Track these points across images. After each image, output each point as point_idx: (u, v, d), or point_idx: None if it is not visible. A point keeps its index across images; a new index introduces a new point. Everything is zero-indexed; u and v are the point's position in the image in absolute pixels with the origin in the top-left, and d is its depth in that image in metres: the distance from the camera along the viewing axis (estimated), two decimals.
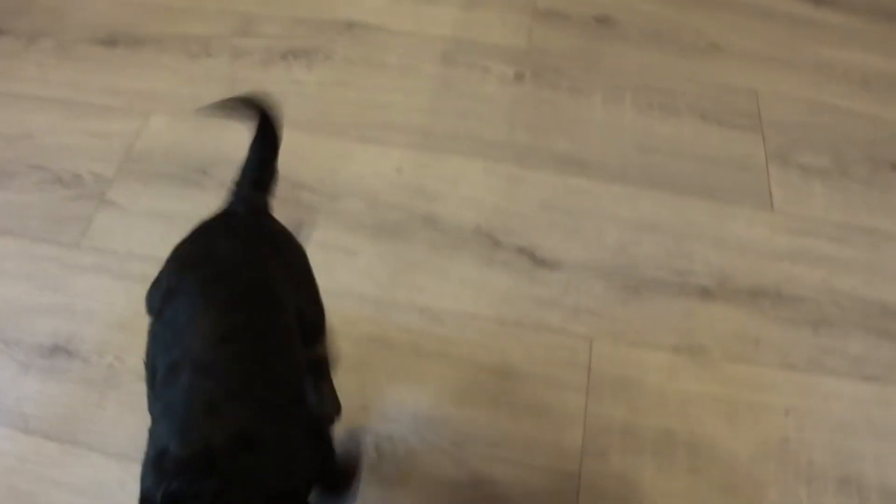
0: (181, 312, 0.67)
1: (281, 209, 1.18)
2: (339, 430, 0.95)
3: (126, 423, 1.00)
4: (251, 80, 1.30)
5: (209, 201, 1.18)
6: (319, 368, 0.92)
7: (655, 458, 0.97)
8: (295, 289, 0.78)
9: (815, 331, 1.06)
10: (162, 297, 0.71)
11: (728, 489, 0.97)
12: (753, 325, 1.06)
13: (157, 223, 1.15)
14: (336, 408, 0.94)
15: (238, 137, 1.28)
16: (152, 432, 0.64)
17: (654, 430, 0.98)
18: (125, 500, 0.93)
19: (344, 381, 1.01)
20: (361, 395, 1.01)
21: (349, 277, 1.09)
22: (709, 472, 0.97)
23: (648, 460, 0.97)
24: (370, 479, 0.97)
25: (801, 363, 1.04)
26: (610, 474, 0.97)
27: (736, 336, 1.05)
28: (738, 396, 1.01)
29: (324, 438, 0.76)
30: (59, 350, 1.05)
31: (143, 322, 1.02)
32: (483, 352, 1.03)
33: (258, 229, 0.85)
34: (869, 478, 0.99)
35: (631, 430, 0.98)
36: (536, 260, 1.09)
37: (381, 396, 1.01)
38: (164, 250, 1.15)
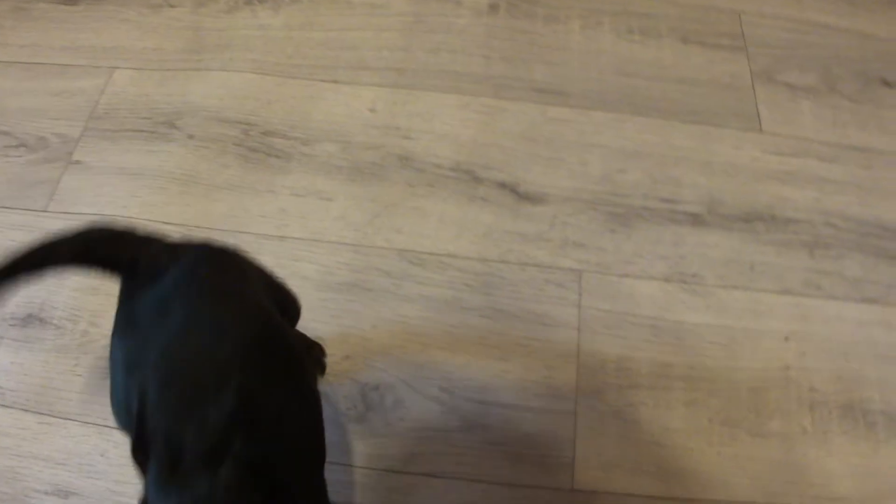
0: None
1: (252, 158, 1.03)
2: (326, 380, 0.83)
3: (103, 389, 0.86)
4: (216, 28, 1.13)
5: (178, 153, 1.04)
6: None
7: (653, 393, 0.84)
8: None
9: (810, 253, 0.92)
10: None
11: (729, 421, 0.84)
12: (747, 249, 0.91)
13: (126, 181, 0.99)
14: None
15: (205, 87, 1.13)
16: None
17: (649, 364, 0.85)
18: (107, 469, 0.80)
19: (325, 331, 0.87)
20: (344, 344, 0.87)
21: (325, 224, 0.93)
22: (708, 405, 0.84)
23: (645, 395, 0.84)
24: (358, 430, 0.83)
25: (798, 287, 0.90)
26: (606, 412, 0.84)
27: (729, 262, 0.90)
28: (736, 324, 0.87)
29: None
30: (31, 319, 0.89)
31: (114, 284, 0.87)
32: (468, 292, 0.88)
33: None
34: (874, 402, 0.86)
35: (626, 365, 0.85)
36: (519, 194, 0.93)
37: (364, 345, 0.86)
38: (133, 208, 1.00)
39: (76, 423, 0.84)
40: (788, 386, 0.85)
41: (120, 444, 0.82)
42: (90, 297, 0.93)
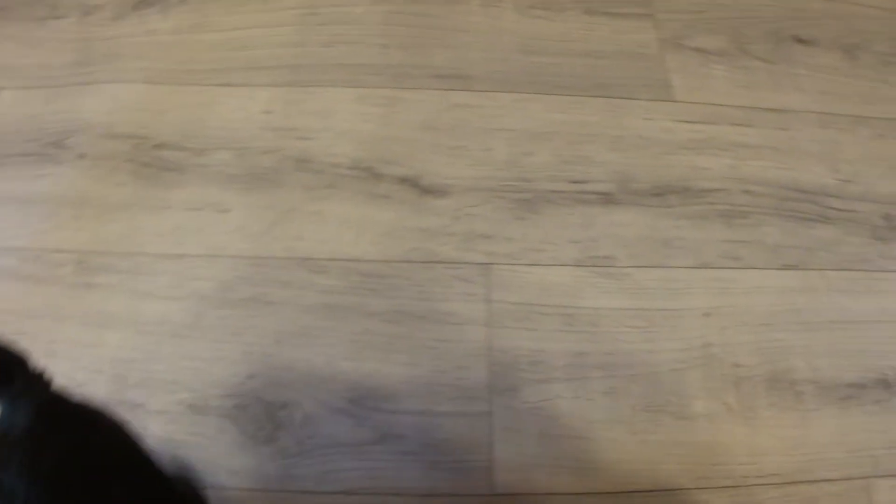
0: None
1: (145, 173, 0.98)
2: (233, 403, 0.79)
3: None
4: (105, 38, 1.07)
5: (68, 175, 0.96)
6: None
7: (570, 385, 0.80)
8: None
9: (727, 223, 0.88)
10: None
11: (651, 406, 0.80)
12: (661, 225, 0.87)
13: (15, 210, 0.93)
14: None
15: (95, 101, 1.07)
16: None
17: (564, 355, 0.81)
18: None
19: (227, 350, 0.82)
20: (248, 362, 0.82)
21: (223, 237, 0.88)
22: (628, 392, 0.81)
23: (562, 388, 0.80)
24: (268, 452, 0.79)
25: (716, 260, 0.86)
26: (523, 409, 0.80)
27: (643, 240, 0.86)
28: (652, 305, 0.83)
29: None
30: None
31: (3, 322, 0.83)
32: (372, 297, 0.83)
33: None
34: (800, 371, 0.83)
35: (540, 358, 0.81)
36: (421, 188, 0.89)
37: (268, 362, 0.82)
38: (23, 238, 0.95)
39: None
40: (711, 364, 0.82)
41: None
42: None
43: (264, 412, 0.82)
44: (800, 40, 1.04)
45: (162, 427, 0.82)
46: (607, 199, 0.88)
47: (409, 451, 0.79)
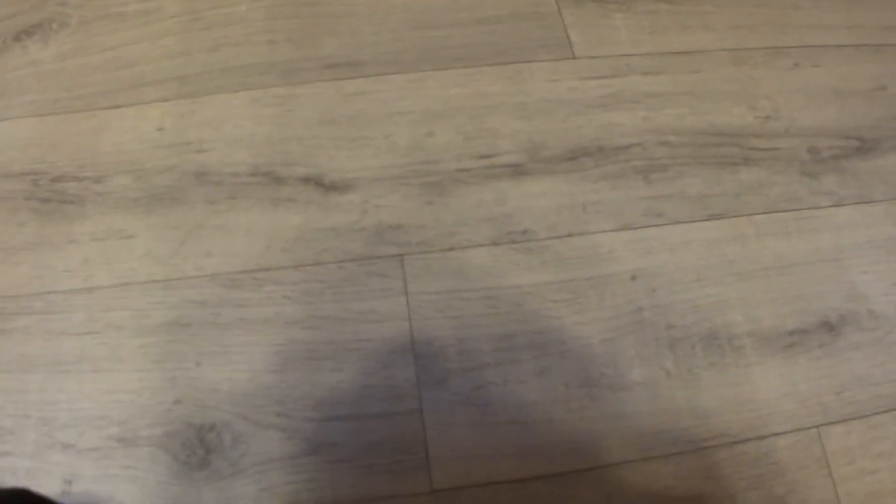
0: None
1: (46, 210, 0.94)
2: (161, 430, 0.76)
3: None
4: None
5: None
6: None
7: (500, 370, 0.77)
8: None
9: (646, 179, 0.84)
10: None
11: (587, 381, 0.77)
12: (577, 191, 0.83)
13: None
14: None
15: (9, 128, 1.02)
16: None
17: (491, 340, 0.78)
18: None
19: (150, 379, 0.79)
20: (172, 388, 0.79)
21: (131, 264, 0.84)
22: (561, 369, 0.77)
23: (493, 374, 0.77)
24: (202, 477, 0.77)
25: (638, 220, 0.83)
26: (454, 401, 0.77)
27: (560, 209, 0.83)
28: (577, 275, 0.80)
29: None
30: None
31: None
32: (288, 305, 0.80)
33: None
34: (738, 325, 0.80)
35: (466, 346, 0.78)
36: (325, 186, 0.84)
37: (192, 385, 0.79)
38: None
39: None
40: (644, 329, 0.79)
41: None
42: None
43: (195, 436, 0.79)
44: None
45: (95, 464, 0.79)
46: (518, 170, 0.84)
47: (344, 459, 0.77)
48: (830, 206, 0.86)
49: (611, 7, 0.96)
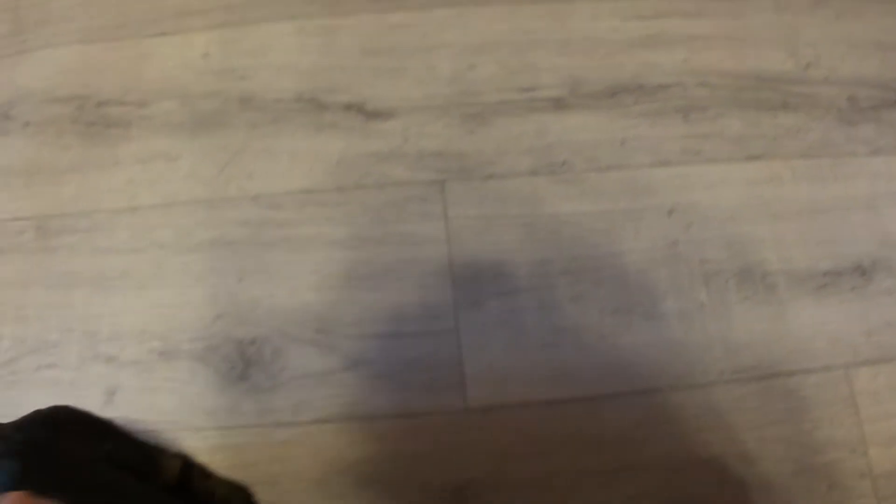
0: None
1: (91, 133, 0.95)
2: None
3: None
4: (35, 4, 1.03)
5: (16, 144, 0.93)
6: None
7: (534, 294, 0.78)
8: None
9: (685, 118, 0.85)
10: None
11: (620, 309, 0.78)
12: (617, 126, 0.84)
13: None
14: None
15: (32, 69, 1.04)
16: None
17: (528, 265, 0.79)
18: None
19: (192, 294, 0.81)
20: (213, 304, 0.81)
21: (175, 185, 0.86)
22: (596, 296, 0.79)
23: (527, 298, 0.78)
24: (242, 389, 0.79)
25: (676, 157, 0.84)
26: (490, 322, 0.79)
27: (599, 143, 0.84)
28: (614, 207, 0.81)
29: None
30: None
31: None
32: (329, 226, 0.82)
33: None
34: (771, 263, 0.81)
35: (503, 270, 0.79)
36: (367, 113, 0.86)
37: (234, 301, 0.81)
38: None
39: None
40: (678, 262, 0.80)
41: None
42: None
43: (235, 351, 0.81)
44: None
45: (137, 376, 0.81)
46: (559, 104, 0.85)
47: (381, 375, 0.79)
48: (867, 155, 0.87)
49: None
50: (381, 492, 0.74)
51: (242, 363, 0.80)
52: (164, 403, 0.81)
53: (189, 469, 0.74)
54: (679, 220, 0.81)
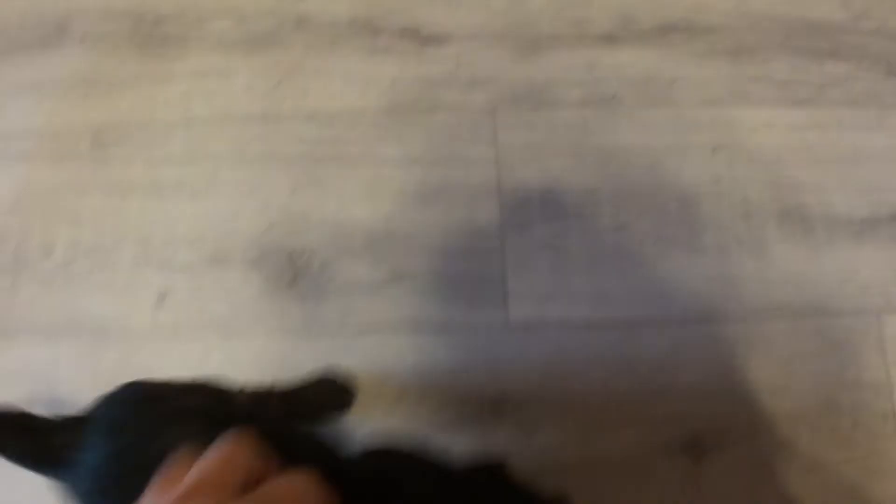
0: None
1: (147, 48, 0.98)
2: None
3: (43, 300, 0.85)
4: None
5: (74, 57, 0.95)
6: None
7: (580, 221, 0.81)
8: None
9: (734, 60, 0.86)
10: None
11: (661, 240, 0.81)
12: (666, 65, 0.86)
13: (27, 97, 0.94)
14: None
15: None
16: None
17: (574, 193, 0.81)
18: (61, 376, 0.80)
19: (245, 205, 0.84)
20: (266, 214, 0.84)
21: (230, 100, 0.88)
22: (639, 226, 0.81)
23: (573, 224, 0.81)
24: (290, 297, 0.82)
25: (723, 97, 0.85)
26: (534, 245, 0.81)
27: (648, 80, 0.85)
28: (659, 142, 0.83)
29: None
30: None
31: (32, 199, 0.81)
32: (381, 146, 0.84)
33: None
34: (812, 207, 0.82)
35: (549, 196, 0.81)
36: (422, 38, 0.88)
37: (286, 213, 0.83)
38: (40, 120, 0.97)
39: (23, 335, 0.83)
40: (720, 198, 0.82)
41: (67, 351, 0.81)
42: (12, 218, 0.91)
43: (285, 260, 0.84)
44: None
45: (188, 282, 0.84)
46: (610, 39, 0.86)
47: (426, 289, 0.81)
48: None
49: None
50: (421, 402, 0.77)
51: (292, 272, 0.83)
52: (214, 308, 0.84)
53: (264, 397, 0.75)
54: (723, 159, 0.83)
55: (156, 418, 0.52)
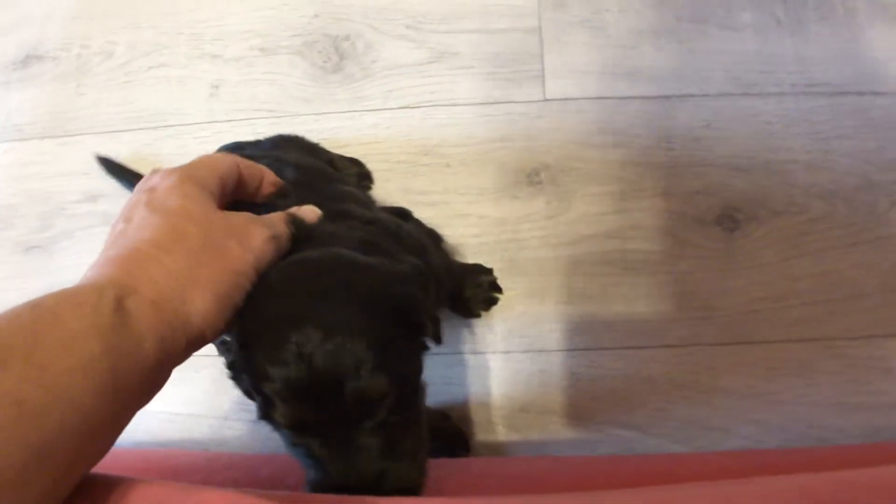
0: None
1: None
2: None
3: (105, 101, 0.92)
4: None
5: None
6: None
7: (617, 1, 0.84)
8: None
9: None
10: None
11: (698, 17, 0.82)
12: None
13: None
14: None
15: None
16: None
17: None
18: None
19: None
20: (310, 4, 0.89)
21: None
22: (677, 4, 0.82)
23: (610, 3, 0.84)
24: (336, 80, 0.86)
25: None
26: (572, 22, 0.84)
27: None
28: None
29: None
30: (30, 59, 0.95)
31: (93, 6, 0.86)
32: None
33: None
34: None
35: None
36: None
37: (329, 1, 0.88)
38: None
39: (88, 135, 0.91)
40: None
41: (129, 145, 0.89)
42: (75, 25, 0.98)
43: (331, 45, 0.89)
44: None
45: (239, 71, 0.90)
46: None
47: (465, 66, 0.85)
48: None
49: None
50: (459, 171, 0.81)
51: (337, 56, 0.88)
52: (264, 94, 0.89)
53: None
54: None
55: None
